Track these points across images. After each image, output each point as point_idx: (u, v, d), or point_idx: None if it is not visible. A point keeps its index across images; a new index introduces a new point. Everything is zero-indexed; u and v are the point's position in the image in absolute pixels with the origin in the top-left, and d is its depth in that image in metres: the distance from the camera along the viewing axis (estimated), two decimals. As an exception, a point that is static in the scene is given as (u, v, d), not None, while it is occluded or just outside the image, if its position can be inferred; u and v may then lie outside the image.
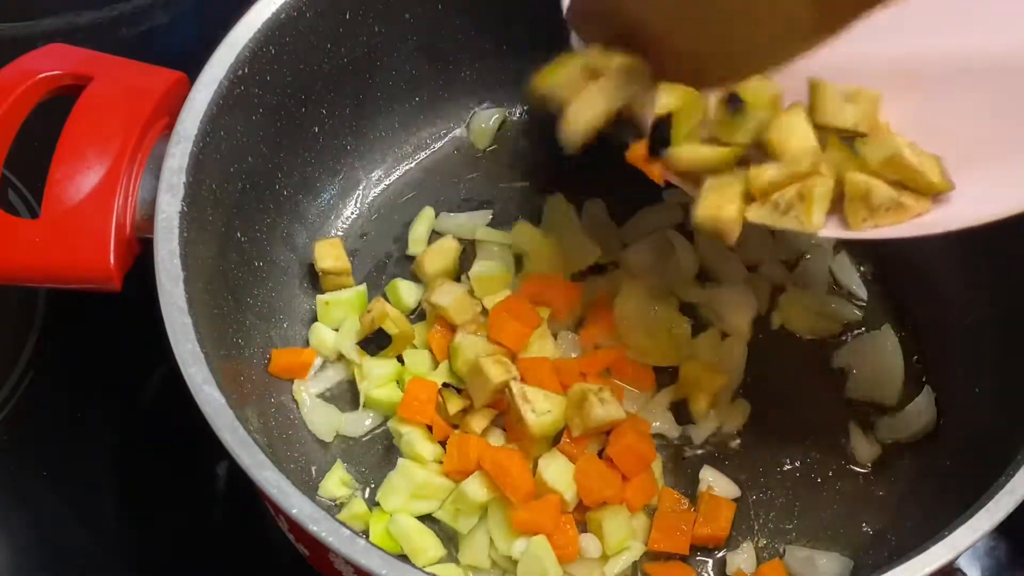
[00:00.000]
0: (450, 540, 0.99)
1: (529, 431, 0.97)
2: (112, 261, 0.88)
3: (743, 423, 1.04)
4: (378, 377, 1.04)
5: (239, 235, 1.01)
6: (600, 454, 0.99)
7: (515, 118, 1.19)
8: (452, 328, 1.05)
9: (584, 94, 0.86)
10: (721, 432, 1.04)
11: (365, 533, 0.98)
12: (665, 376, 1.06)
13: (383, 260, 1.15)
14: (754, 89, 0.83)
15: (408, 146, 1.19)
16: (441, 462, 1.00)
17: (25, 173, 1.16)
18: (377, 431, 1.05)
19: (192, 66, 0.94)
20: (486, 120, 1.20)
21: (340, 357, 1.07)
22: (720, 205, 0.82)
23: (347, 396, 1.07)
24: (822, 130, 0.84)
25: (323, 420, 1.04)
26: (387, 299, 1.09)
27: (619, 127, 0.90)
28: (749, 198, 0.83)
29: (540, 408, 0.97)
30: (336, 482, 1.01)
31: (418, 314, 1.10)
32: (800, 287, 1.11)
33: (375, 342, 1.04)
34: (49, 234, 0.88)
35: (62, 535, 1.05)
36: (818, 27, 0.79)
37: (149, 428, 1.10)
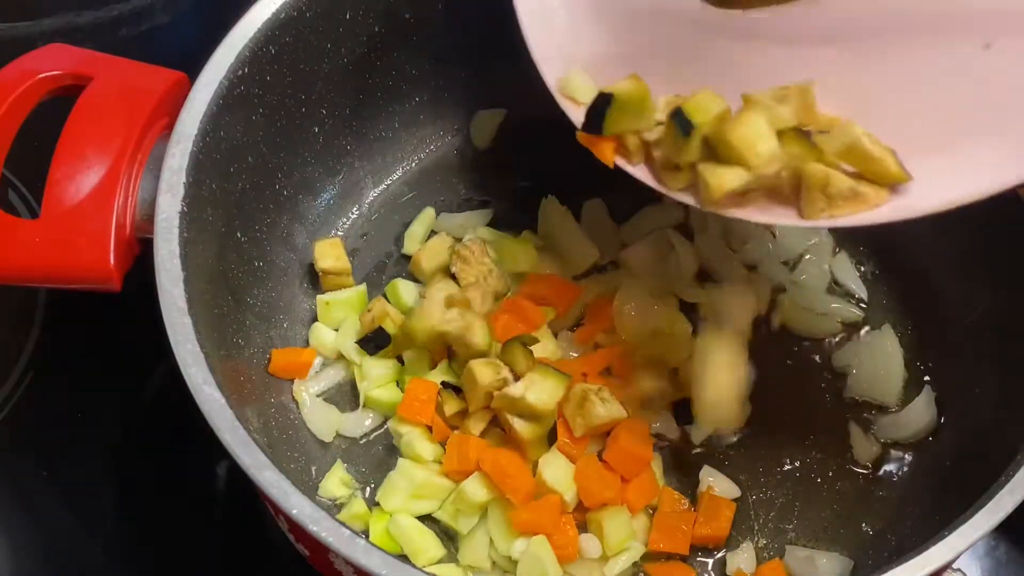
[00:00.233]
0: (450, 540, 0.99)
1: (519, 436, 0.97)
2: (112, 261, 0.88)
3: (743, 423, 1.04)
4: (378, 377, 1.04)
5: (239, 235, 1.01)
6: (600, 455, 1.00)
7: (515, 118, 1.20)
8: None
9: None
10: (721, 432, 1.04)
11: (365, 533, 0.98)
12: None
13: (383, 260, 1.15)
14: (703, 107, 0.82)
15: (408, 146, 1.19)
16: (441, 462, 1.00)
17: (25, 173, 1.16)
18: (377, 431, 1.05)
19: (192, 66, 0.94)
20: (486, 120, 1.20)
21: (340, 357, 1.07)
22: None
23: (347, 396, 1.07)
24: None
25: (323, 420, 1.04)
26: (387, 299, 1.09)
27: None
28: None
29: (526, 413, 0.97)
30: (336, 482, 1.01)
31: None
32: (800, 287, 1.11)
33: (374, 341, 1.04)
34: (49, 234, 0.88)
35: (62, 535, 1.05)
36: None
37: (149, 428, 1.10)
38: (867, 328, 1.10)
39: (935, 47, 0.85)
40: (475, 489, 0.96)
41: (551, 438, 0.99)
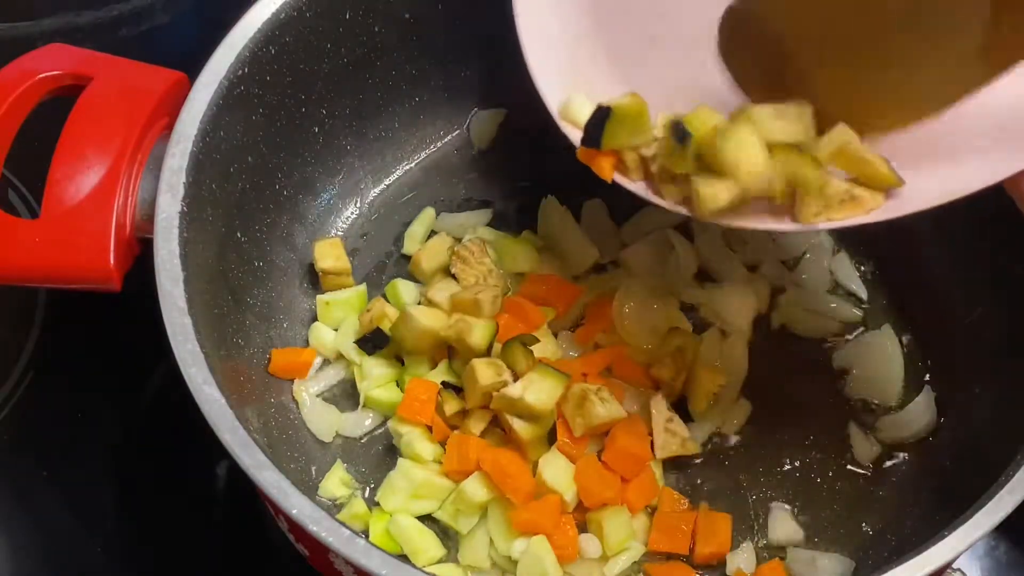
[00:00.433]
0: (450, 540, 0.99)
1: (519, 437, 0.97)
2: (112, 261, 0.88)
3: (743, 423, 1.04)
4: (378, 377, 1.04)
5: (239, 235, 1.01)
6: (600, 455, 1.00)
7: (515, 118, 1.20)
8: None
9: None
10: (721, 432, 1.04)
11: (365, 533, 0.98)
12: (665, 376, 1.06)
13: (383, 260, 1.15)
14: (702, 119, 0.82)
15: (408, 146, 1.19)
16: (441, 462, 1.00)
17: (25, 173, 1.16)
18: (377, 431, 1.05)
19: (192, 66, 0.94)
20: (486, 120, 1.20)
21: (340, 357, 1.07)
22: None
23: (347, 396, 1.07)
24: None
25: (323, 420, 1.04)
26: (387, 299, 1.09)
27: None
28: None
29: (525, 413, 0.97)
30: (336, 482, 1.01)
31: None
32: (800, 287, 1.11)
33: (373, 341, 1.04)
34: (49, 234, 0.88)
35: (62, 535, 1.05)
36: (990, 63, 0.78)
37: (149, 428, 1.10)
38: (867, 328, 1.10)
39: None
40: (475, 489, 0.96)
41: (551, 438, 0.99)
